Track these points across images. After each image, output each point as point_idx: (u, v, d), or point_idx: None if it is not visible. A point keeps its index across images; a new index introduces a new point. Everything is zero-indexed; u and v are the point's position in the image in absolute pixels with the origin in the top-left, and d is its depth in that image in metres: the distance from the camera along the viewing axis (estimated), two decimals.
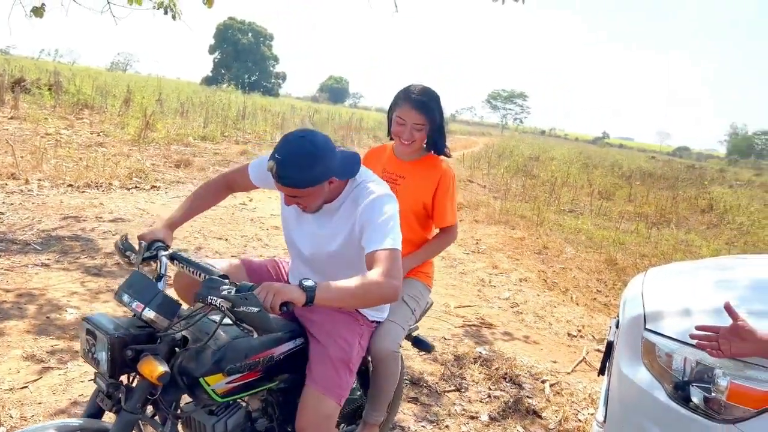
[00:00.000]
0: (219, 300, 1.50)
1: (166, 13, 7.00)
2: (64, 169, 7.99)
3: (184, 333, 1.68)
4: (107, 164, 8.86)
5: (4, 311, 3.58)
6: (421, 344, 2.54)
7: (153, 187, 8.12)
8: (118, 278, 4.42)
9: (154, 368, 1.50)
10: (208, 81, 69.60)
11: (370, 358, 2.23)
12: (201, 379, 1.67)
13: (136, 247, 1.92)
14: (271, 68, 79.29)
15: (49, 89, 16.55)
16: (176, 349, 1.68)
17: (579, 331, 4.84)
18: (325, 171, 1.77)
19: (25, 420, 2.62)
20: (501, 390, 3.56)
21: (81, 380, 3.00)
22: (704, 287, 2.55)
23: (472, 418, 3.22)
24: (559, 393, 3.63)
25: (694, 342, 1.78)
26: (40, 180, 7.29)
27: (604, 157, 31.88)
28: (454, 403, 3.34)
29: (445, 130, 2.52)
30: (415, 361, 3.76)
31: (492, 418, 3.24)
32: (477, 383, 3.61)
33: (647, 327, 2.24)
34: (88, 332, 1.58)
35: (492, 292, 5.55)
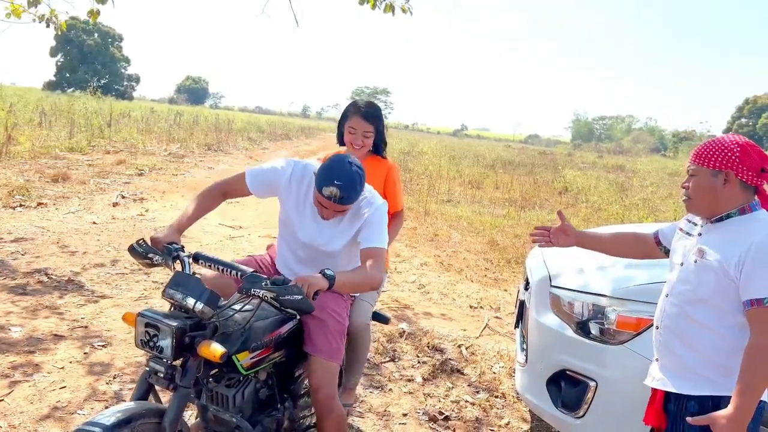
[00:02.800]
0: (263, 291, 1.89)
1: (48, 26, 6.84)
2: None
3: (214, 321, 2.04)
4: None
5: None
6: (379, 317, 3.04)
7: (39, 204, 7.82)
8: (46, 295, 4.47)
9: (216, 350, 1.85)
10: (52, 86, 64.20)
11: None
12: (234, 357, 2.05)
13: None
14: (123, 70, 74.71)
15: None
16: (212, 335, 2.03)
17: (478, 303, 5.59)
18: (363, 188, 2.23)
19: (14, 428, 2.78)
20: (427, 356, 4.17)
21: (52, 389, 3.17)
22: (589, 251, 3.29)
23: (409, 381, 3.79)
24: (473, 353, 4.30)
25: (536, 240, 2.38)
26: None
27: (467, 149, 34.03)
28: (392, 371, 3.89)
29: (385, 136, 3.05)
30: None
31: (425, 379, 3.83)
32: (407, 353, 4.19)
33: (552, 284, 2.93)
34: (148, 325, 1.89)
35: (400, 277, 6.17)
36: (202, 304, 1.91)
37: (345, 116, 2.95)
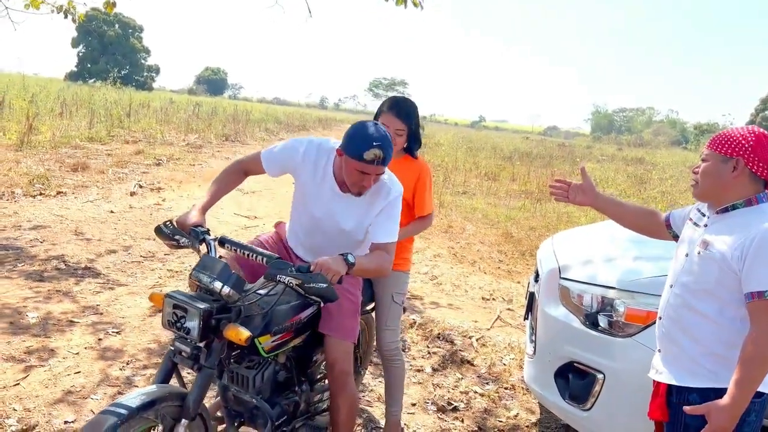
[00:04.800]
0: (288, 278, 1.92)
1: (66, 17, 6.91)
2: None
3: (239, 304, 2.04)
4: None
5: None
6: None
7: (59, 193, 7.94)
8: (62, 281, 4.54)
9: (242, 333, 1.90)
10: (74, 76, 64.90)
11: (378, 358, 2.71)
12: (256, 339, 2.09)
13: None
14: (143, 61, 75.26)
15: None
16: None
17: (490, 294, 5.58)
18: None
19: (29, 411, 2.84)
20: (437, 347, 4.17)
21: (67, 374, 3.23)
22: (598, 244, 3.28)
23: (419, 371, 3.80)
24: (484, 345, 4.30)
25: (554, 193, 2.31)
26: None
27: (485, 141, 33.83)
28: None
29: (421, 136, 2.89)
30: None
31: (435, 370, 3.84)
32: (417, 343, 4.20)
33: (562, 276, 2.91)
34: (176, 306, 1.93)
35: (412, 268, 6.09)
36: (229, 288, 1.95)
37: (379, 112, 2.80)
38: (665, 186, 15.98)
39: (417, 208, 2.85)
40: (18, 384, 3.07)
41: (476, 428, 3.19)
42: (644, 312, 2.50)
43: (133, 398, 1.79)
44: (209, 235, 2.16)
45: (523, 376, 3.34)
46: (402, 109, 2.74)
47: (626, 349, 2.51)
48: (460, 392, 3.57)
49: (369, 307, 2.96)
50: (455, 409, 3.36)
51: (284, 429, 2.37)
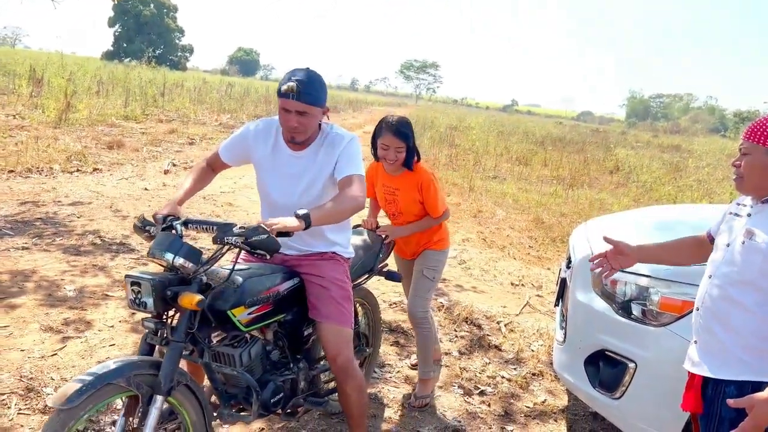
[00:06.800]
0: (233, 238, 1.90)
1: None
2: None
3: (207, 280, 2.04)
4: (39, 148, 8.71)
5: (5, 290, 3.78)
6: (391, 276, 3.10)
7: (95, 170, 8.11)
8: (98, 256, 4.65)
9: (192, 298, 1.89)
10: (110, 55, 65.87)
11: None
12: (229, 312, 2.09)
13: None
14: (177, 41, 76.03)
15: None
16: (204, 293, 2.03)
17: (519, 280, 5.54)
18: (326, 97, 2.25)
19: (66, 381, 2.92)
20: (464, 331, 4.17)
21: (102, 346, 3.32)
22: (633, 231, 3.21)
23: (446, 354, 3.79)
24: (512, 330, 4.27)
25: (601, 272, 2.23)
26: None
27: (516, 125, 33.39)
28: None
29: (417, 149, 3.06)
30: (388, 313, 4.29)
31: (461, 353, 3.84)
32: (444, 327, 4.19)
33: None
34: (133, 284, 1.94)
35: None
36: (181, 258, 1.95)
37: (378, 133, 2.98)
38: (702, 174, 15.59)
39: (430, 211, 3.09)
40: (56, 354, 3.16)
41: (503, 413, 3.19)
42: (679, 302, 2.45)
43: (103, 366, 1.81)
44: (177, 221, 2.14)
45: (551, 363, 3.31)
46: (400, 130, 2.94)
47: (660, 338, 2.46)
48: (487, 376, 3.56)
49: (362, 279, 2.95)
50: (482, 393, 3.36)
51: (287, 408, 2.40)
